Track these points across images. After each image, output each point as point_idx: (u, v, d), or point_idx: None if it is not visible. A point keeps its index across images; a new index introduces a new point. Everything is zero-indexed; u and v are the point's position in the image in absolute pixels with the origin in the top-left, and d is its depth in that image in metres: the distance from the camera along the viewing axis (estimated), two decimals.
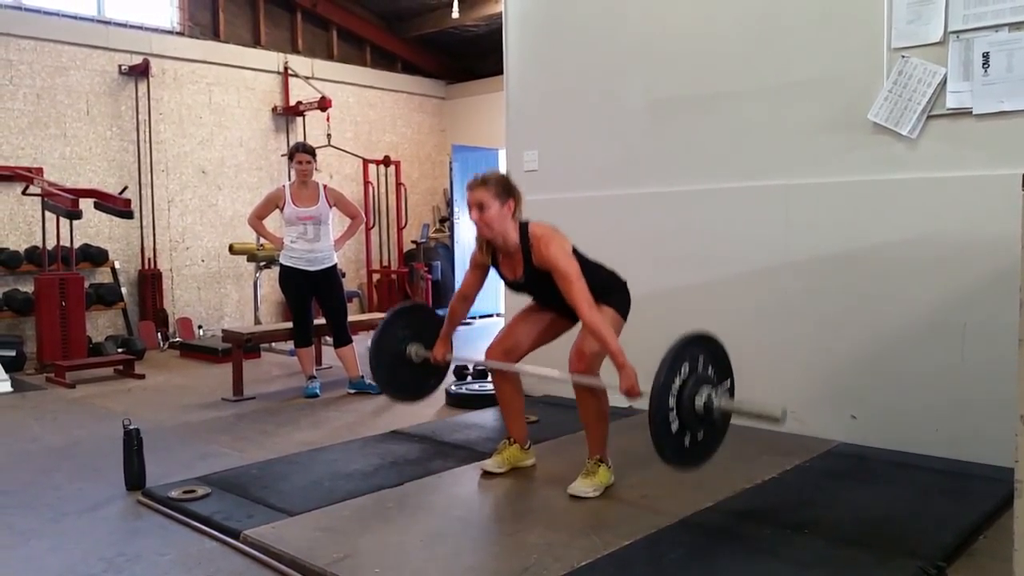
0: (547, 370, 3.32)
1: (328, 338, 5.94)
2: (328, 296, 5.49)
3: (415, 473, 3.46)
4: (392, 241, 10.11)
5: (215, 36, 8.79)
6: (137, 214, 7.65)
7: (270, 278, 8.02)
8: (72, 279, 6.72)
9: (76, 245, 7.08)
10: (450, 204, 10.14)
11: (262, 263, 7.71)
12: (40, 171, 7.18)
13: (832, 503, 3.02)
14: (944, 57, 3.50)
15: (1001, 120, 3.38)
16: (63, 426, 4.79)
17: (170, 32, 8.45)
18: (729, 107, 4.21)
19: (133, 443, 3.45)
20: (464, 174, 9.37)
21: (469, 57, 10.70)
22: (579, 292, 2.95)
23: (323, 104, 8.82)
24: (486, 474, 3.39)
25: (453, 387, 5.27)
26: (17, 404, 5.45)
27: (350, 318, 5.68)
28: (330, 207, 5.44)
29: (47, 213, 6.73)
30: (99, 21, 7.93)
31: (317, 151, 5.76)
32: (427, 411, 4.96)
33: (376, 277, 9.79)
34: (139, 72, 7.90)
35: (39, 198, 6.78)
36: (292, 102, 9.05)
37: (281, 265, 5.47)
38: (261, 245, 7.45)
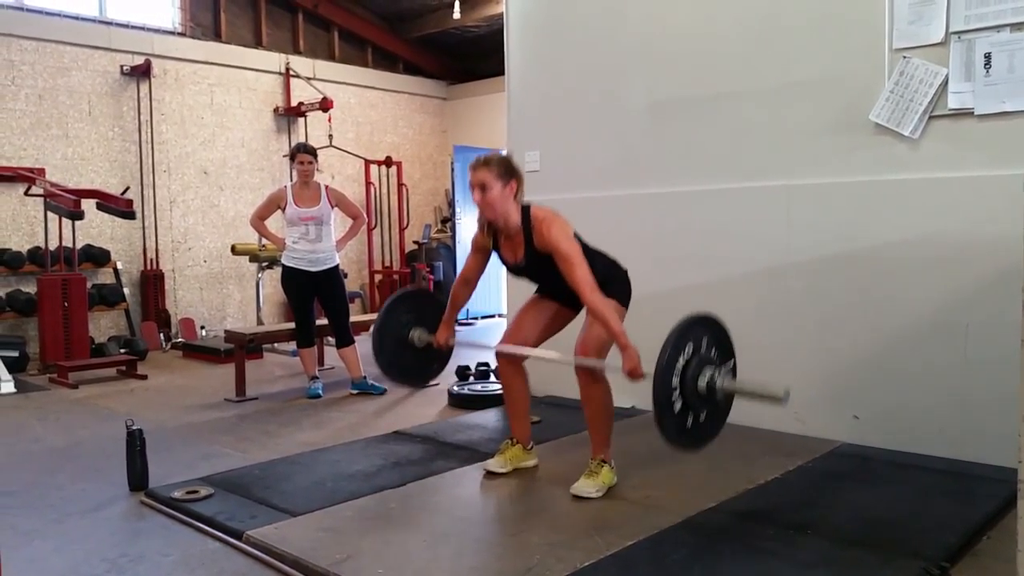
0: (552, 353, 3.31)
1: (330, 338, 5.95)
2: (330, 297, 5.49)
3: (417, 474, 3.46)
4: (394, 241, 10.12)
5: (217, 37, 8.80)
6: (139, 215, 7.67)
7: (272, 278, 8.01)
8: (74, 280, 6.73)
9: (78, 246, 7.10)
10: (452, 204, 10.14)
11: (264, 263, 7.71)
12: (42, 172, 7.19)
13: (835, 504, 3.02)
14: (946, 58, 3.50)
15: (1003, 121, 3.38)
16: (66, 427, 4.80)
17: (172, 33, 8.46)
18: (730, 108, 4.21)
19: (136, 443, 3.45)
20: (465, 175, 9.33)
21: (470, 58, 10.70)
22: (581, 275, 2.95)
23: (325, 105, 8.83)
24: (489, 474, 3.39)
25: (455, 387, 5.28)
26: (20, 405, 5.45)
27: (352, 318, 5.68)
28: (332, 208, 5.45)
29: (49, 214, 6.74)
30: (101, 22, 7.94)
31: (319, 152, 5.77)
32: (429, 412, 4.97)
33: (378, 277, 9.80)
34: (141, 73, 7.91)
35: (41, 199, 6.78)
36: (294, 103, 9.06)
37: (283, 265, 5.48)
38: (263, 246, 7.45)
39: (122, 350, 7.14)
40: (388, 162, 9.74)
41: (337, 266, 5.50)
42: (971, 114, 3.46)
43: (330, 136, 9.08)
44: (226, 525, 2.89)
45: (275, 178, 8.88)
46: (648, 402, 4.02)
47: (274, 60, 9.08)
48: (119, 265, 7.78)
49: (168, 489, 3.29)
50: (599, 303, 2.91)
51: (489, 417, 4.59)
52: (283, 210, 5.42)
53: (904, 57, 3.60)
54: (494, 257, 3.37)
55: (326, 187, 5.51)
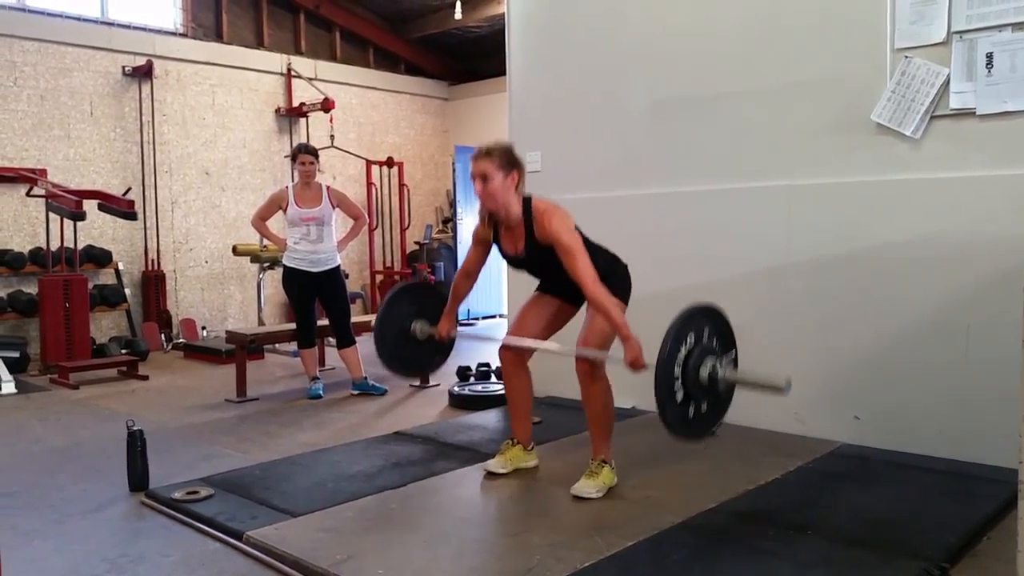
0: (553, 344, 3.30)
1: (331, 339, 5.95)
2: (331, 297, 5.49)
3: (418, 474, 3.46)
4: (395, 242, 10.13)
5: (218, 37, 8.80)
6: (141, 215, 7.68)
7: (273, 279, 8.01)
8: (76, 280, 6.74)
9: (80, 246, 7.10)
10: (453, 205, 10.14)
11: (265, 264, 7.72)
12: (44, 172, 7.21)
13: (835, 504, 3.02)
14: (947, 57, 3.49)
15: (1004, 120, 3.38)
16: (67, 427, 4.80)
17: (173, 33, 8.47)
18: (731, 108, 4.20)
19: (137, 444, 3.45)
20: (467, 175, 9.32)
21: (472, 58, 10.70)
22: (583, 267, 2.94)
23: (326, 105, 8.83)
24: (489, 475, 3.39)
25: (456, 388, 5.28)
26: (21, 405, 5.46)
27: (353, 319, 5.68)
28: (333, 208, 5.45)
29: (51, 214, 6.75)
30: (102, 22, 7.95)
31: (320, 152, 5.77)
32: (430, 412, 4.97)
33: (379, 278, 9.80)
34: (142, 73, 7.92)
35: (43, 199, 6.79)
36: (295, 103, 9.06)
37: (284, 266, 5.48)
38: (264, 246, 7.46)
39: (123, 351, 7.15)
40: (389, 163, 9.75)
41: (338, 267, 5.51)
42: (973, 114, 3.45)
43: (331, 137, 9.09)
44: (226, 526, 2.89)
45: (277, 179, 8.88)
46: (649, 402, 4.02)
47: (276, 61, 9.09)
48: (120, 266, 7.79)
49: (168, 490, 3.29)
50: (601, 295, 2.91)
51: (490, 418, 4.59)
52: (284, 211, 5.42)
53: (906, 57, 3.60)
54: (495, 254, 3.36)
55: (327, 188, 5.51)
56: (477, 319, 9.71)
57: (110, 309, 7.60)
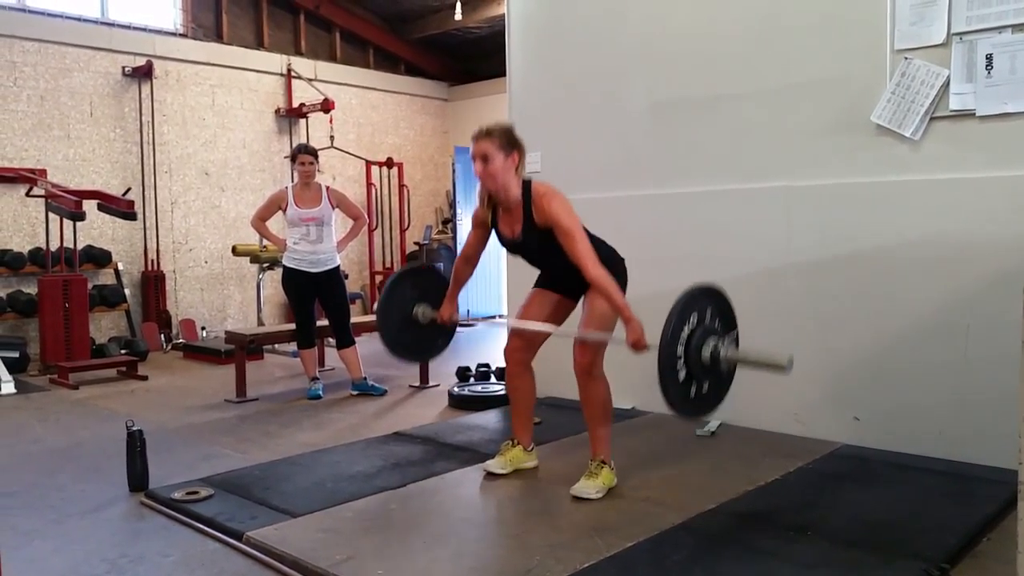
0: (558, 327, 3.28)
1: (331, 339, 5.95)
2: (331, 297, 5.49)
3: (418, 475, 3.46)
4: (395, 242, 10.12)
5: (218, 38, 8.80)
6: (140, 216, 7.68)
7: (273, 279, 8.02)
8: (75, 280, 6.74)
9: (79, 247, 7.11)
10: (453, 206, 10.14)
11: (265, 264, 7.72)
12: (44, 173, 7.21)
13: (835, 505, 3.02)
14: (947, 59, 3.50)
15: (1004, 122, 3.38)
16: (66, 427, 4.80)
17: (173, 34, 8.47)
18: (731, 108, 4.21)
19: (136, 444, 3.45)
20: (467, 176, 9.38)
21: (472, 59, 10.71)
22: (583, 248, 2.94)
23: (326, 106, 8.84)
24: (489, 475, 3.39)
25: (456, 389, 5.28)
26: (21, 405, 5.46)
27: (353, 319, 5.68)
28: (333, 208, 5.45)
29: (51, 215, 6.75)
30: (102, 23, 7.96)
31: (320, 153, 5.76)
32: (430, 412, 4.97)
33: (379, 278, 9.79)
34: (142, 74, 7.92)
35: (43, 200, 6.79)
36: (295, 104, 9.06)
37: (284, 266, 5.48)
38: (264, 247, 7.46)
39: (123, 351, 7.15)
40: (389, 163, 9.75)
41: (338, 267, 5.51)
42: (972, 115, 3.45)
43: (331, 137, 9.09)
44: (226, 526, 2.89)
45: (276, 179, 8.88)
46: (649, 403, 4.03)
47: (275, 61, 9.09)
48: (120, 266, 7.79)
49: (168, 490, 3.29)
50: (602, 276, 2.91)
51: (489, 418, 4.59)
52: (284, 211, 5.42)
53: (905, 58, 3.60)
54: (495, 245, 3.35)
55: (327, 188, 5.51)
56: (477, 320, 9.72)
57: (109, 309, 7.60)
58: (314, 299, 5.50)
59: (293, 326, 5.68)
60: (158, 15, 8.44)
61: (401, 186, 9.90)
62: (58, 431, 4.71)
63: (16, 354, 6.50)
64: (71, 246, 6.91)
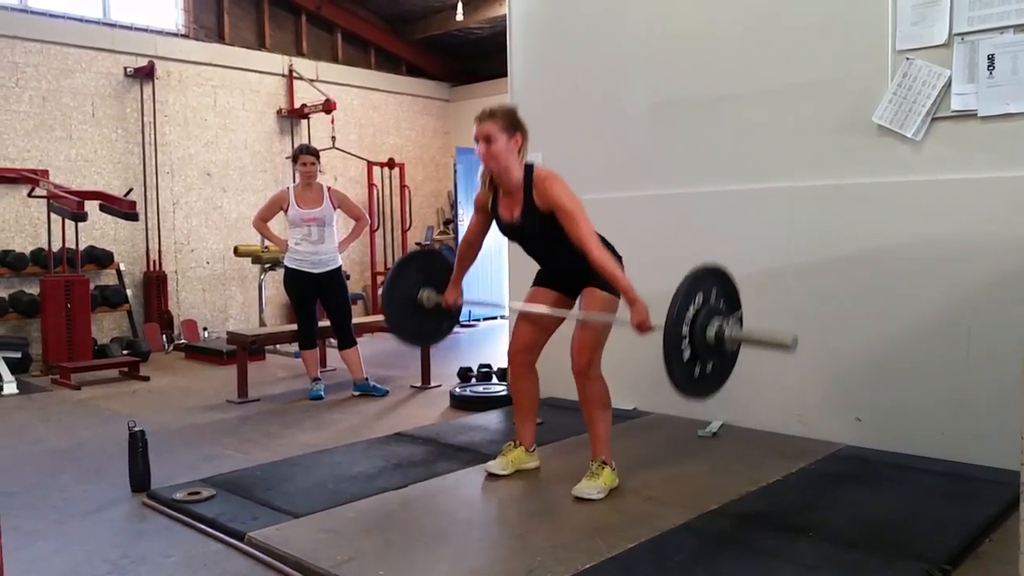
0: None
1: (332, 340, 5.96)
2: (332, 298, 5.49)
3: (419, 475, 3.46)
4: (396, 243, 10.13)
5: (220, 39, 8.81)
6: (142, 216, 7.68)
7: (275, 280, 8.03)
8: (77, 281, 6.74)
9: (81, 247, 7.11)
10: (454, 206, 10.14)
11: (267, 265, 7.72)
12: (46, 173, 7.21)
13: (836, 506, 3.02)
14: (949, 59, 3.49)
15: (1006, 122, 3.37)
16: (68, 428, 4.81)
17: (175, 34, 8.48)
18: (732, 109, 4.20)
19: (138, 445, 3.46)
20: (468, 176, 9.38)
21: (473, 59, 10.71)
22: (585, 230, 2.94)
23: (327, 106, 8.84)
24: (490, 476, 3.39)
25: (457, 389, 5.28)
26: (23, 406, 5.46)
27: (354, 320, 5.68)
28: (334, 209, 5.45)
29: (53, 215, 6.76)
30: (104, 23, 7.96)
31: (321, 153, 5.77)
32: (431, 413, 4.97)
33: (380, 279, 9.80)
34: (144, 74, 7.93)
35: (45, 200, 6.80)
36: (297, 104, 9.07)
37: (285, 267, 5.49)
38: (266, 247, 7.46)
39: (124, 351, 7.16)
40: (391, 164, 9.75)
41: (339, 268, 5.51)
42: (974, 116, 3.45)
43: (333, 138, 9.09)
44: (228, 526, 2.89)
45: (278, 180, 8.89)
46: (650, 403, 4.03)
47: (277, 62, 9.10)
48: (122, 266, 7.79)
49: (170, 490, 3.30)
50: (605, 258, 2.91)
51: (491, 419, 4.59)
52: (286, 211, 5.42)
53: (907, 59, 3.60)
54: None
55: (328, 188, 5.52)
56: (478, 320, 9.72)
57: (111, 310, 7.61)
58: (316, 300, 5.50)
59: (295, 327, 5.68)
60: (160, 16, 8.45)
61: (402, 187, 9.91)
62: (60, 431, 4.71)
63: (18, 354, 6.51)
64: (73, 247, 6.92)
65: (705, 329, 2.69)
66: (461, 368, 5.84)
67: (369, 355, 5.82)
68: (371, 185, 9.72)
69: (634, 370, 4.46)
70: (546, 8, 5.10)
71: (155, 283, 8.01)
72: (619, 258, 3.21)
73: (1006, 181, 3.36)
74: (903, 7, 3.60)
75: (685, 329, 2.65)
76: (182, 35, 8.52)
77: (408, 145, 10.42)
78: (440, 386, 5.74)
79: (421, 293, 3.47)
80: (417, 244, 10.03)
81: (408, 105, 10.45)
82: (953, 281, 3.52)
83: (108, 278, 7.74)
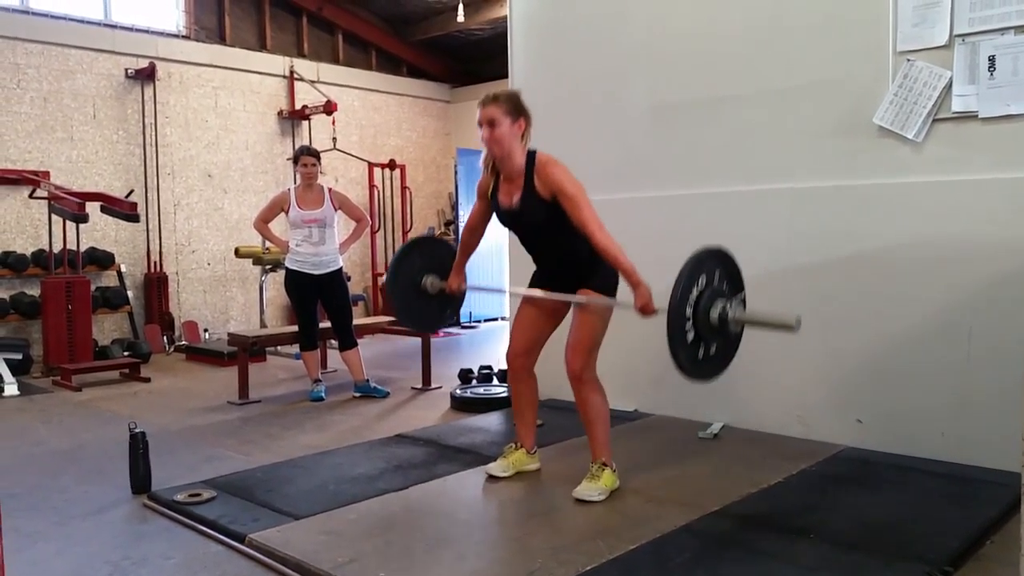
0: (564, 295, 3.24)
1: (333, 341, 5.96)
2: (333, 299, 5.49)
3: (420, 477, 3.46)
4: (397, 244, 10.12)
5: (221, 40, 8.81)
6: (143, 217, 7.68)
7: (275, 281, 8.03)
8: (78, 282, 6.75)
9: (82, 248, 7.10)
10: (455, 207, 10.15)
11: (267, 266, 7.72)
12: (47, 174, 7.22)
13: (837, 507, 3.01)
14: (950, 60, 3.49)
15: (1007, 123, 3.37)
16: (69, 429, 4.81)
17: (176, 36, 8.48)
18: (733, 110, 4.20)
19: (139, 446, 3.46)
20: (469, 177, 9.39)
21: (474, 61, 10.71)
22: (588, 214, 2.95)
23: (328, 108, 8.84)
24: (491, 478, 3.39)
25: (458, 391, 5.28)
26: (24, 407, 5.46)
27: (355, 321, 5.69)
28: (335, 210, 5.45)
29: (54, 216, 6.76)
30: (105, 25, 7.97)
31: (322, 155, 5.77)
32: (432, 415, 4.97)
33: (381, 280, 9.80)
34: (145, 76, 7.93)
35: (46, 201, 6.80)
36: (298, 106, 9.08)
37: (286, 268, 5.49)
38: (267, 248, 7.47)
39: (125, 353, 7.17)
40: (391, 165, 9.76)
41: (340, 269, 5.51)
42: (975, 117, 3.45)
43: (334, 139, 9.09)
44: (229, 528, 2.89)
45: (279, 181, 8.89)
46: (651, 405, 4.03)
47: (278, 63, 9.10)
48: (123, 268, 7.80)
49: (171, 492, 3.30)
50: (609, 242, 2.92)
51: (492, 420, 4.59)
52: (286, 213, 5.42)
53: (908, 60, 3.60)
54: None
55: (329, 190, 5.52)
56: (479, 322, 9.73)
57: (112, 311, 7.61)
58: (316, 301, 5.50)
59: (295, 328, 5.68)
60: (161, 17, 8.45)
61: (403, 188, 9.91)
62: (61, 433, 4.71)
63: (19, 356, 6.51)
64: (74, 248, 6.92)
65: (708, 311, 2.70)
66: (462, 370, 5.83)
67: (370, 356, 5.82)
68: (372, 186, 9.73)
69: (635, 371, 4.46)
70: (547, 9, 5.11)
71: (156, 284, 8.01)
72: None
73: (1007, 182, 3.36)
74: (904, 8, 3.60)
75: (689, 311, 2.66)
76: (183, 36, 8.52)
77: (409, 146, 10.43)
78: (441, 388, 5.74)
79: (425, 279, 3.49)
80: None
81: (409, 106, 10.45)
82: (954, 282, 3.52)
83: (109, 279, 7.74)
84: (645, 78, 4.57)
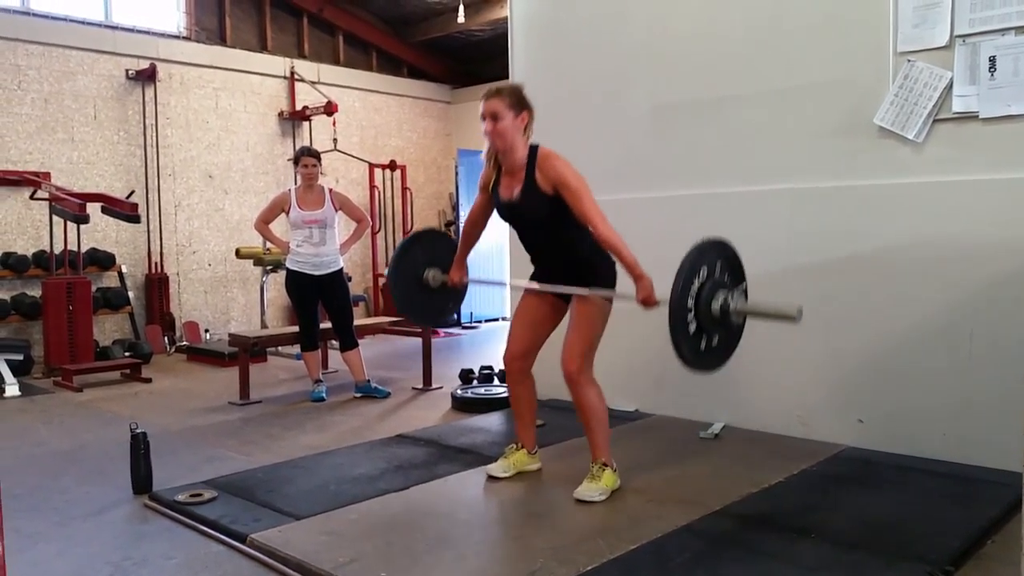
0: (565, 287, 3.24)
1: (334, 342, 5.96)
2: (334, 300, 5.50)
3: (421, 477, 3.46)
4: (398, 245, 10.11)
5: (222, 41, 8.82)
6: (144, 218, 7.68)
7: (276, 282, 8.04)
8: (79, 283, 6.75)
9: (83, 249, 7.11)
10: (456, 208, 10.15)
11: (268, 267, 7.73)
12: (48, 175, 7.22)
13: (838, 507, 3.02)
14: (950, 61, 3.49)
15: (1007, 124, 3.38)
16: (70, 430, 4.81)
17: (177, 37, 8.48)
18: (733, 111, 4.20)
19: (140, 447, 3.46)
20: (469, 178, 9.39)
21: (474, 61, 10.72)
22: (591, 206, 2.96)
23: (329, 109, 8.84)
24: (492, 478, 3.39)
25: (459, 391, 5.28)
26: (25, 408, 5.47)
27: (356, 322, 5.69)
28: (336, 211, 5.46)
29: (55, 217, 6.76)
30: (106, 26, 7.97)
31: (323, 156, 5.77)
32: (432, 415, 4.97)
33: (382, 281, 9.80)
34: (146, 77, 7.94)
35: (47, 202, 6.81)
36: (298, 107, 9.08)
37: (287, 269, 5.49)
38: (267, 249, 7.47)
39: (126, 353, 7.17)
40: (392, 166, 9.76)
41: (341, 269, 5.51)
42: (976, 118, 3.45)
43: (334, 140, 9.10)
44: (230, 528, 2.90)
45: (280, 182, 8.89)
46: (652, 405, 4.03)
47: (279, 64, 9.10)
48: (124, 269, 7.80)
49: (172, 492, 3.30)
50: (611, 234, 2.94)
51: (493, 420, 4.59)
52: (287, 213, 5.43)
53: (908, 60, 3.60)
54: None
55: (330, 190, 5.52)
56: (480, 322, 9.72)
57: (113, 312, 7.61)
58: (317, 301, 5.50)
59: (296, 329, 5.68)
60: (161, 18, 8.46)
61: (404, 189, 9.91)
62: (62, 434, 4.71)
63: (20, 357, 6.50)
64: (75, 249, 6.92)
65: (710, 302, 2.70)
66: (463, 370, 5.83)
67: (371, 357, 5.82)
68: (372, 187, 9.73)
69: (635, 371, 4.47)
70: (547, 10, 5.11)
71: (157, 285, 8.01)
72: (613, 262, 3.22)
73: (1008, 183, 3.36)
74: (904, 9, 3.60)
75: (691, 302, 2.66)
76: (184, 37, 8.53)
77: (409, 147, 10.43)
78: (441, 388, 5.74)
79: (426, 273, 3.50)
80: None
81: (409, 107, 10.45)
82: (954, 282, 3.52)
83: (110, 280, 7.75)
84: (645, 79, 4.57)
